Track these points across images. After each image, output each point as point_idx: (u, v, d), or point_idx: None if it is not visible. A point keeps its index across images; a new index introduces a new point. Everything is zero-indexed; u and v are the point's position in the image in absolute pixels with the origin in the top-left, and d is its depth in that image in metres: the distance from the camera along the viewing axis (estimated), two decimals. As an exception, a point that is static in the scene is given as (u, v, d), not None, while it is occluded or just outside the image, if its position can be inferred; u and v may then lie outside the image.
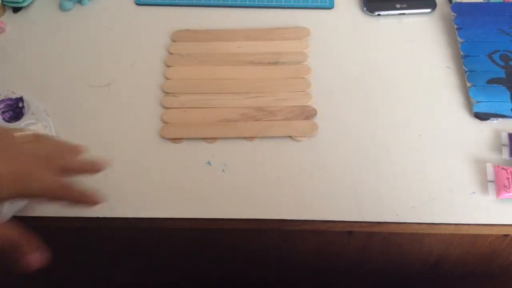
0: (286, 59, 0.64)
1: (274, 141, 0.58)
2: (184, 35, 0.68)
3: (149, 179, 0.55)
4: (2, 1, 0.70)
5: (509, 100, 0.59)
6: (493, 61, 0.62)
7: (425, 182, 0.55)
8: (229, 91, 0.61)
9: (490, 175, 0.54)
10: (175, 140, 0.58)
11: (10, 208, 0.52)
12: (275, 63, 0.64)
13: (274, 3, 0.71)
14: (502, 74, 0.61)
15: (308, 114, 0.59)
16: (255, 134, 0.58)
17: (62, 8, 0.71)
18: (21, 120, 0.58)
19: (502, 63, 0.62)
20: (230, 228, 0.53)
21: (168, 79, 0.63)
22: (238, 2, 0.71)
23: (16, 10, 0.71)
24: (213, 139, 0.58)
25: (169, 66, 0.64)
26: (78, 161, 0.47)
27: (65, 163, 0.44)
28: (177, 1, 0.72)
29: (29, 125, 0.58)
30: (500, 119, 0.59)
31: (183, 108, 0.60)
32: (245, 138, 0.58)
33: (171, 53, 0.65)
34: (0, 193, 0.38)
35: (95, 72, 0.65)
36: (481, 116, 0.59)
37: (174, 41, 0.67)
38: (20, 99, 0.60)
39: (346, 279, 0.72)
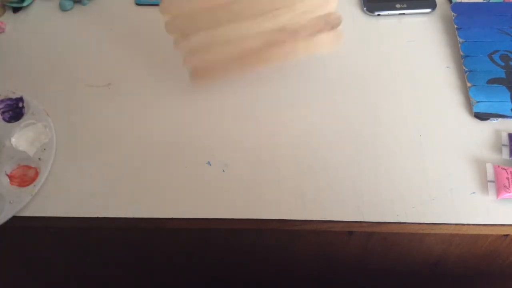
0: None
1: (275, 141, 0.58)
2: None
3: (149, 179, 0.55)
4: (2, 1, 0.70)
5: (509, 100, 0.59)
6: (493, 61, 0.62)
7: (425, 182, 0.55)
8: (243, 16, 0.53)
9: (490, 175, 0.54)
10: (208, 80, 0.54)
11: (11, 208, 0.52)
12: None
13: (274, 3, 0.71)
14: (502, 74, 0.61)
15: (334, 23, 0.54)
16: (281, 59, 0.54)
17: (62, 8, 0.71)
18: (21, 120, 0.58)
19: (502, 63, 0.62)
20: (230, 228, 0.53)
21: (167, 15, 0.53)
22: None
23: (16, 10, 0.71)
24: (242, 72, 0.54)
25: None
26: None
27: None
28: (177, 1, 0.72)
29: (29, 125, 0.58)
30: (500, 119, 0.59)
31: (200, 51, 0.53)
32: (273, 63, 0.54)
33: None
34: None
35: (95, 72, 0.65)
36: (481, 116, 0.59)
37: None
38: (20, 99, 0.60)
39: (346, 279, 0.72)
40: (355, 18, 0.70)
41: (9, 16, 0.71)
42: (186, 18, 0.53)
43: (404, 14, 0.70)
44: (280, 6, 0.53)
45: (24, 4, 0.71)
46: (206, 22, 0.53)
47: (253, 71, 0.55)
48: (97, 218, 0.53)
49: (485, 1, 0.69)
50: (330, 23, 0.54)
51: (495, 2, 0.69)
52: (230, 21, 0.53)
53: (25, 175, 0.55)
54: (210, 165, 0.56)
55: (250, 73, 0.55)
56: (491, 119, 0.59)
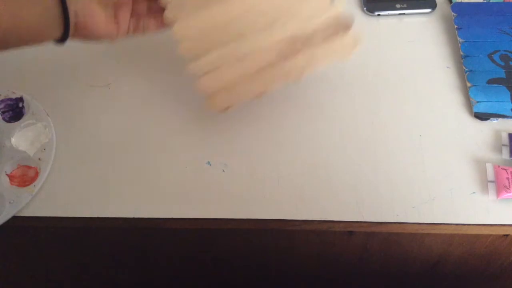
0: None
1: (274, 141, 0.58)
2: None
3: (149, 179, 0.55)
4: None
5: (509, 100, 0.59)
6: (493, 61, 0.62)
7: (425, 182, 0.55)
8: (251, 29, 0.53)
9: (490, 175, 0.54)
10: (227, 109, 0.53)
11: (11, 208, 0.52)
12: None
13: (274, 3, 0.71)
14: (502, 74, 0.61)
15: (345, 24, 0.53)
16: (302, 71, 0.52)
17: (62, 8, 0.71)
18: (21, 120, 0.58)
19: (502, 63, 0.62)
20: (230, 228, 0.53)
21: (179, 41, 0.53)
22: (238, 2, 0.71)
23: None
24: (263, 92, 0.52)
25: (173, 22, 0.53)
26: None
27: None
28: (177, 1, 0.72)
29: (29, 125, 0.58)
30: (500, 119, 0.59)
31: (215, 71, 0.52)
32: (293, 77, 0.52)
33: (168, 1, 0.54)
34: None
35: (95, 72, 0.65)
36: (481, 116, 0.59)
37: None
38: (20, 99, 0.60)
39: (346, 279, 0.72)
40: (355, 18, 0.70)
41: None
42: (197, 39, 0.54)
43: (404, 14, 0.70)
44: (284, 14, 0.53)
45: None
46: (216, 40, 0.53)
47: (273, 90, 0.53)
48: (97, 218, 0.53)
49: (485, 1, 0.69)
50: (341, 25, 0.52)
51: (495, 2, 0.69)
52: (239, 36, 0.53)
53: (25, 175, 0.55)
54: (210, 165, 0.56)
55: (270, 94, 0.53)
56: (491, 119, 0.59)
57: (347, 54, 0.53)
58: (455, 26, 0.66)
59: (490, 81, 0.61)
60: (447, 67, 0.64)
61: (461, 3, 0.69)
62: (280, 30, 0.52)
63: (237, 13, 0.53)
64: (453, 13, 0.67)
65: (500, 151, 0.57)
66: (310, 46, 0.52)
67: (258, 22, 0.53)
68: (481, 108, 0.59)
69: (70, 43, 0.68)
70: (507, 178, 0.53)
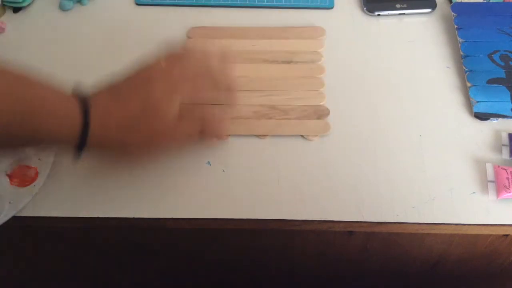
0: (300, 58, 0.64)
1: (274, 141, 0.58)
2: (199, 32, 0.68)
3: (149, 179, 0.55)
4: (2, 1, 0.70)
5: (509, 100, 0.59)
6: (493, 61, 0.62)
7: (425, 182, 0.55)
8: (242, 88, 0.61)
9: (490, 175, 0.54)
10: None
11: (11, 208, 0.52)
12: (289, 61, 0.64)
13: (274, 3, 0.71)
14: (502, 74, 0.61)
15: (321, 113, 0.59)
16: (267, 132, 0.58)
17: (62, 8, 0.71)
18: (21, 120, 0.58)
19: (502, 63, 0.62)
20: (230, 228, 0.53)
21: None
22: (238, 2, 0.71)
23: (16, 10, 0.71)
24: (225, 136, 0.58)
25: None
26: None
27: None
28: (177, 1, 0.72)
29: (29, 125, 0.58)
30: (500, 119, 0.59)
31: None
32: (257, 136, 0.58)
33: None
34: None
35: (95, 72, 0.64)
36: (481, 116, 0.59)
37: (189, 37, 0.67)
38: (20, 99, 0.60)
39: (346, 279, 0.72)
40: (355, 18, 0.70)
41: (9, 16, 0.71)
42: None
43: (404, 14, 0.70)
44: (277, 89, 0.61)
45: (24, 4, 0.70)
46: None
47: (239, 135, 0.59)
48: (97, 218, 0.53)
49: (485, 1, 0.69)
50: (318, 113, 0.59)
51: (495, 2, 0.69)
52: None
53: (25, 175, 0.55)
54: (210, 165, 0.56)
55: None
56: (491, 119, 0.59)
57: (314, 135, 0.58)
58: (455, 26, 0.66)
59: (490, 81, 0.61)
60: (447, 67, 0.65)
61: (461, 3, 0.69)
62: (266, 98, 0.61)
63: (238, 74, 0.60)
64: (453, 13, 0.67)
65: (500, 151, 0.57)
66: (284, 118, 0.59)
67: (249, 85, 0.61)
68: (481, 108, 0.59)
69: (70, 43, 0.68)
70: (507, 178, 0.53)
